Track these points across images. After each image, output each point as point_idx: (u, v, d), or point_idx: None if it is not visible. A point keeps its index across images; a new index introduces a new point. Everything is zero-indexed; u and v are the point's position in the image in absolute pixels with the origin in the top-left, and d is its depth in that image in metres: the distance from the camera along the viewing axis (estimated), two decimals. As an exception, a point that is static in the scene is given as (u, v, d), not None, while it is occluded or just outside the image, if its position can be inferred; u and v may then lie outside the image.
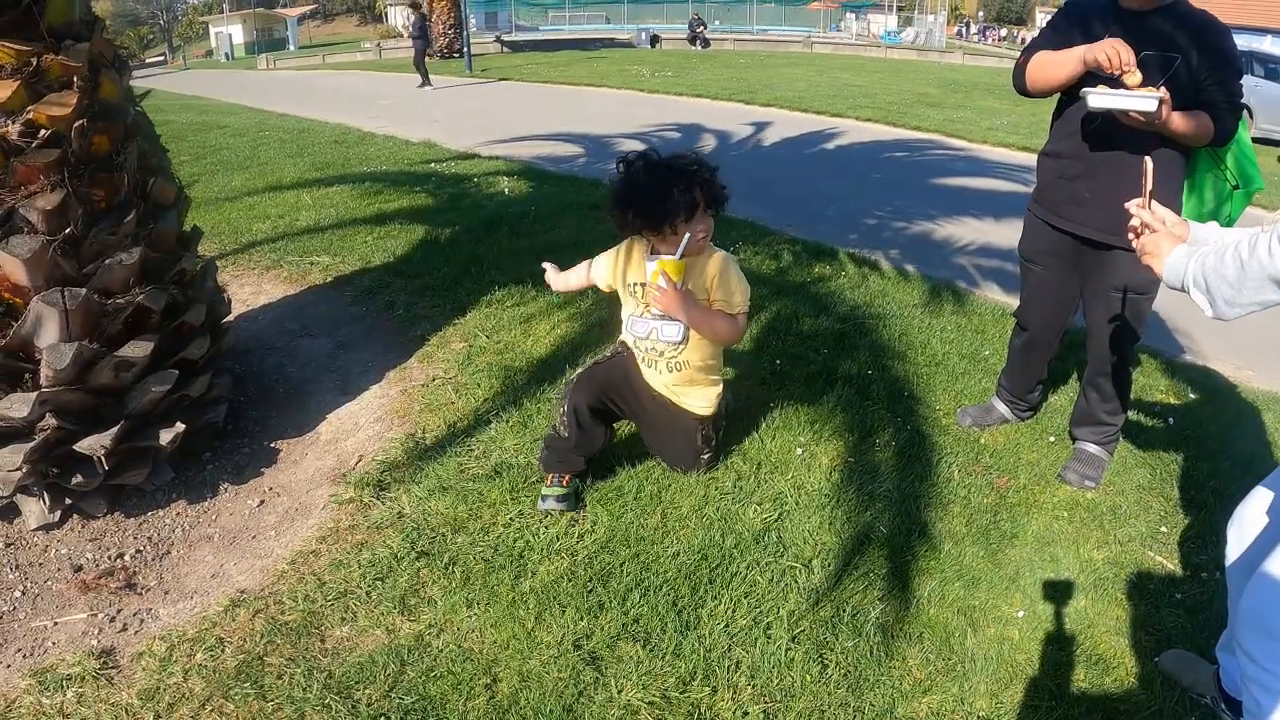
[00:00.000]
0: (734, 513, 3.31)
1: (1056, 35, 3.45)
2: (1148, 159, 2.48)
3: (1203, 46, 3.12)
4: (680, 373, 3.33)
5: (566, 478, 3.36)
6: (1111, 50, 3.04)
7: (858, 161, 11.68)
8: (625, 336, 3.42)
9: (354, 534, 3.21)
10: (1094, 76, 3.16)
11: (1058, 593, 3.03)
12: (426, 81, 22.64)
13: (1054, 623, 2.89)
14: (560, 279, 3.54)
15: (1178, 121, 3.07)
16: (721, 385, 3.49)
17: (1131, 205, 2.45)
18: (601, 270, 3.42)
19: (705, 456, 3.51)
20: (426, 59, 23.17)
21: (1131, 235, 2.46)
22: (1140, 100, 2.97)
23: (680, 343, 3.26)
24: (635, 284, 3.29)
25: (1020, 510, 3.48)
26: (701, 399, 3.40)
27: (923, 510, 3.39)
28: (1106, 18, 3.29)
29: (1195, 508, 3.56)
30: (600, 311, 5.09)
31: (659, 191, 3.03)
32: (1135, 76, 3.01)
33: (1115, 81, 3.09)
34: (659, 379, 3.36)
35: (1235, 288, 2.01)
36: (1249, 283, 1.97)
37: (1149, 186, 2.43)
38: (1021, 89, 3.53)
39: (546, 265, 3.57)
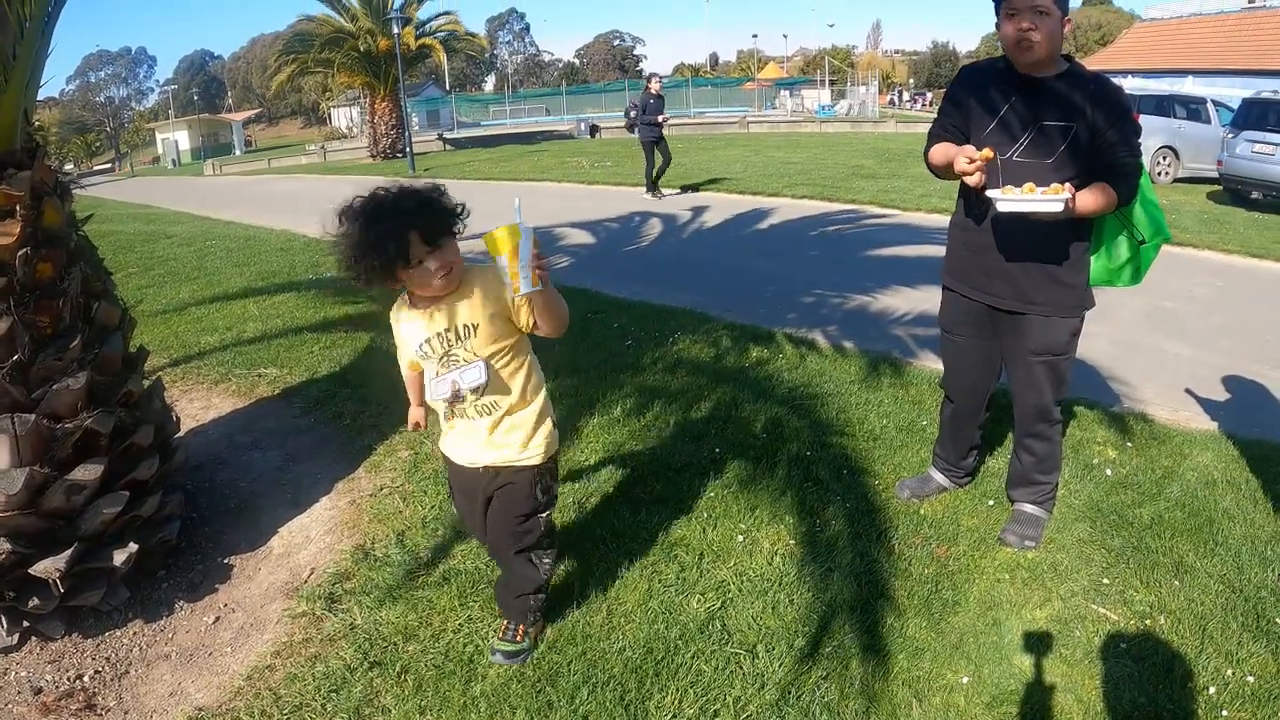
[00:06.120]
0: (678, 604, 3.36)
1: (956, 110, 3.56)
2: None
3: (1101, 104, 3.22)
4: (492, 416, 2.88)
5: None
6: (959, 171, 3.28)
7: (794, 239, 11.87)
8: (433, 404, 2.97)
9: (308, 647, 3.24)
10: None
11: (1002, 656, 3.08)
12: (655, 187, 16.71)
13: (999, 686, 2.94)
14: (417, 409, 3.30)
15: (1086, 205, 3.19)
16: (550, 423, 3.04)
17: None
18: (402, 355, 3.05)
19: (543, 516, 3.06)
20: (374, 158, 21.38)
21: None
22: (1046, 203, 3.08)
23: (485, 383, 2.80)
24: (422, 343, 2.80)
25: (961, 577, 3.54)
26: (531, 443, 2.95)
27: (864, 586, 3.45)
28: (1006, 86, 3.38)
29: (1137, 555, 3.65)
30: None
31: (373, 235, 2.56)
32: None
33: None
34: (476, 438, 2.92)
35: None
36: None
37: None
38: (932, 174, 3.68)
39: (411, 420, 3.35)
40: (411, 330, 2.81)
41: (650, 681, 2.95)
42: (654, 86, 16.65)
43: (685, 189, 17.26)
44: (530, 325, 2.82)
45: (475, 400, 2.83)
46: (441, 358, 2.78)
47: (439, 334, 2.76)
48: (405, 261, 2.58)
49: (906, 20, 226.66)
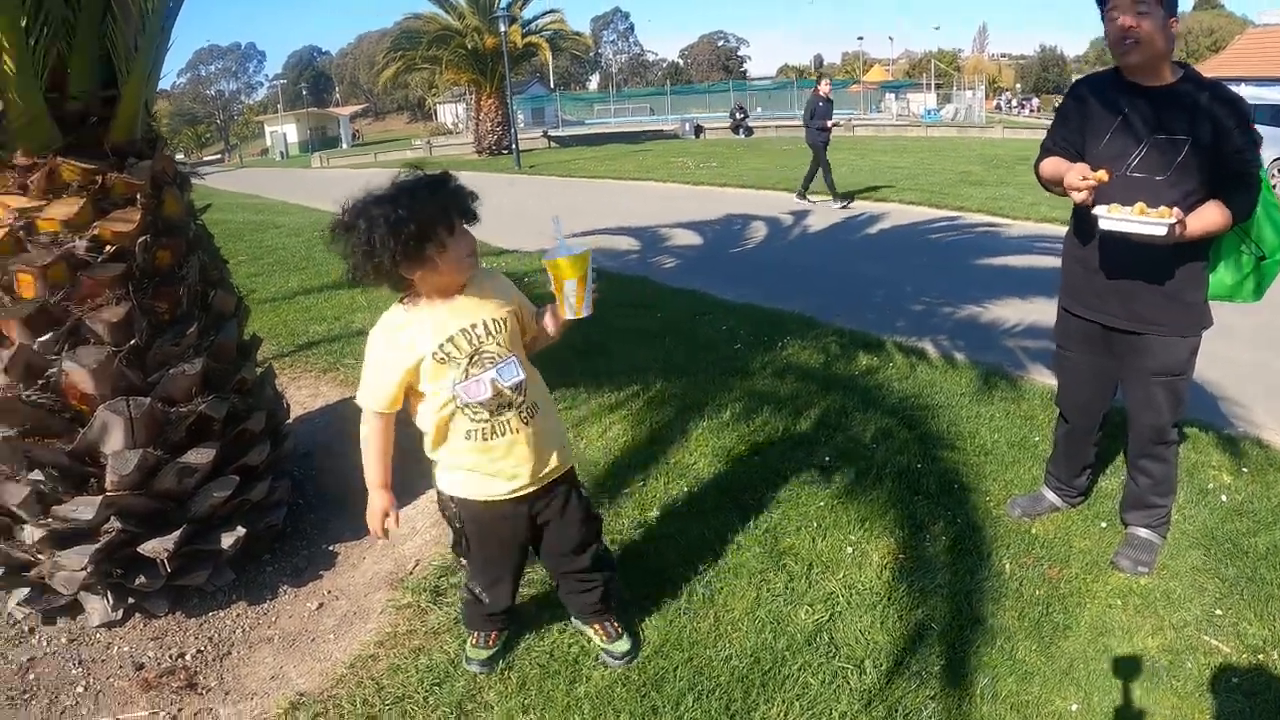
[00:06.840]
0: (786, 614, 3.31)
1: (1070, 123, 3.45)
2: None
3: (1219, 111, 3.09)
4: (535, 418, 2.73)
5: (494, 635, 3.11)
6: (1069, 187, 3.17)
7: (902, 245, 11.71)
8: (457, 427, 2.68)
9: (411, 639, 3.26)
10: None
11: (1112, 684, 2.99)
12: (836, 196, 15.17)
13: (1109, 716, 2.86)
14: (383, 493, 2.85)
15: (1196, 229, 3.06)
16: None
17: None
18: (387, 390, 2.64)
19: (594, 513, 3.05)
20: (479, 154, 20.88)
21: None
22: (1150, 226, 2.97)
23: (523, 378, 2.68)
24: (444, 341, 2.57)
25: (1073, 600, 3.44)
26: (564, 446, 2.90)
27: (975, 605, 3.37)
28: (1121, 97, 3.26)
29: (1251, 586, 3.50)
30: (651, 413, 5.18)
31: (413, 210, 2.44)
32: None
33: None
34: (519, 451, 2.71)
35: None
36: None
37: None
38: (1043, 187, 3.58)
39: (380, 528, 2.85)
40: (423, 332, 2.57)
41: (756, 692, 2.91)
42: (823, 88, 15.36)
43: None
44: (534, 334, 2.84)
45: (518, 401, 2.67)
46: (472, 356, 2.58)
47: (464, 330, 2.58)
48: (450, 233, 2.47)
49: (1013, 23, 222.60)
